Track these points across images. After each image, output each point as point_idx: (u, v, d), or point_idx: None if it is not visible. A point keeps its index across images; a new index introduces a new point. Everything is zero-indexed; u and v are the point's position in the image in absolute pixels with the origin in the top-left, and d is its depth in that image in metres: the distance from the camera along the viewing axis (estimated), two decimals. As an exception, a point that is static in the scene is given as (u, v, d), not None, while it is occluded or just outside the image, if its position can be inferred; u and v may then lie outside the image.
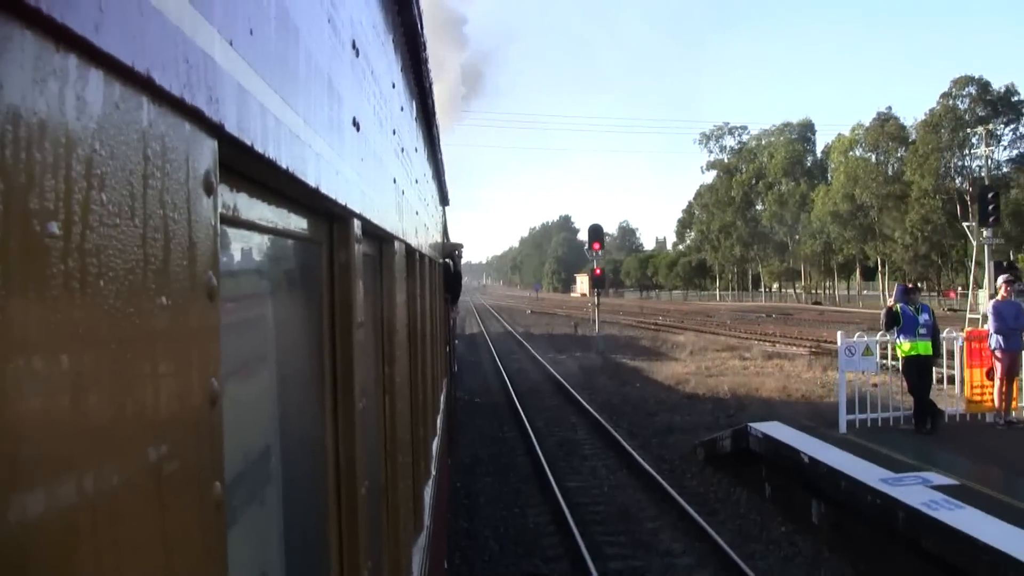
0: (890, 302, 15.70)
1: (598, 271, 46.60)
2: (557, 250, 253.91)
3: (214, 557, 1.19)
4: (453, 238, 22.34)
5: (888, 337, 15.53)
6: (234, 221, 1.55)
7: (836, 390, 16.64)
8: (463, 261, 23.39)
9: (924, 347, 14.88)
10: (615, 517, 15.02)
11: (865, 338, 15.79)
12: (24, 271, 0.70)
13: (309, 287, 2.36)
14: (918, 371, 14.93)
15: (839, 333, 16.10)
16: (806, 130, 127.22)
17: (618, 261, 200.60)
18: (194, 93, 1.10)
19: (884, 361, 16.23)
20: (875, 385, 16.31)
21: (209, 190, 1.19)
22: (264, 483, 1.87)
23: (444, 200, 16.06)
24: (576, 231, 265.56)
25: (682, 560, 12.73)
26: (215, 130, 1.21)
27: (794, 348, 43.25)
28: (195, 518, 1.11)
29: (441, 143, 11.15)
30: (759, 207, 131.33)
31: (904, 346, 14.95)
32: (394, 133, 4.34)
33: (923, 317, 14.96)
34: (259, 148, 1.43)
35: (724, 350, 42.75)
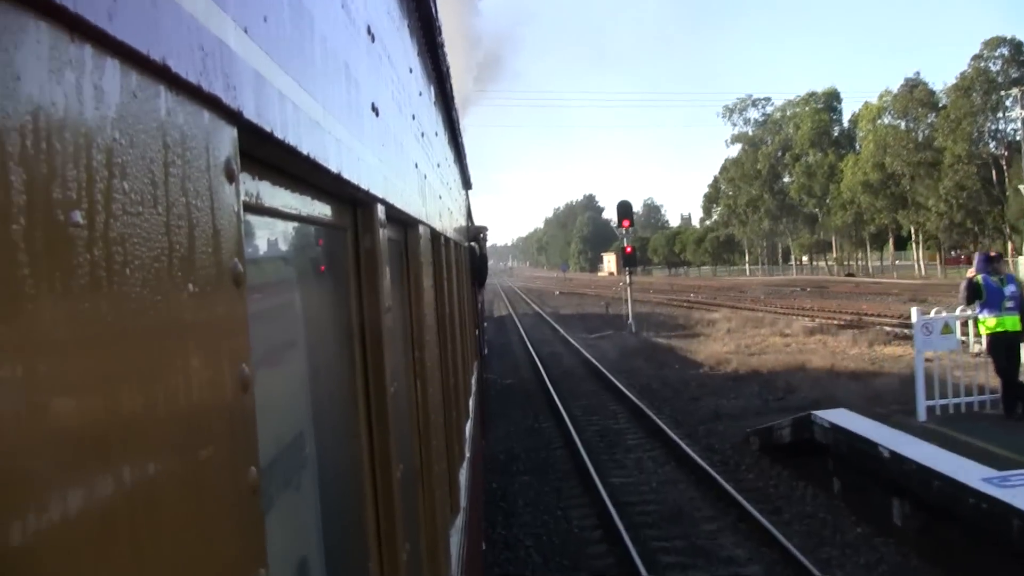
0: (970, 272, 13.97)
1: (629, 249, 45.28)
2: (582, 229, 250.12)
3: (251, 542, 1.20)
4: (477, 221, 22.35)
5: (969, 312, 13.92)
6: (257, 208, 1.56)
7: (900, 369, 15.31)
8: (488, 244, 23.36)
9: (1012, 322, 13.29)
10: (668, 518, 13.63)
11: (944, 314, 14.26)
12: (50, 261, 0.71)
13: (335, 273, 2.37)
14: (1007, 350, 13.32)
15: (914, 310, 14.60)
16: (832, 99, 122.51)
17: (644, 239, 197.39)
18: (211, 80, 1.10)
19: (965, 339, 14.48)
20: (928, 360, 14.23)
21: (231, 177, 1.19)
22: (299, 468, 1.88)
23: (467, 184, 16.07)
24: (601, 210, 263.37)
25: (749, 569, 11.33)
26: (234, 117, 1.21)
27: (835, 322, 41.12)
28: (231, 503, 1.12)
29: (461, 126, 11.13)
30: (786, 179, 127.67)
31: (989, 322, 13.42)
32: (413, 118, 4.34)
33: (1009, 288, 13.39)
34: (279, 135, 1.43)
35: (763, 327, 40.77)
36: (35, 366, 0.69)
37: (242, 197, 1.26)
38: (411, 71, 4.35)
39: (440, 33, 5.96)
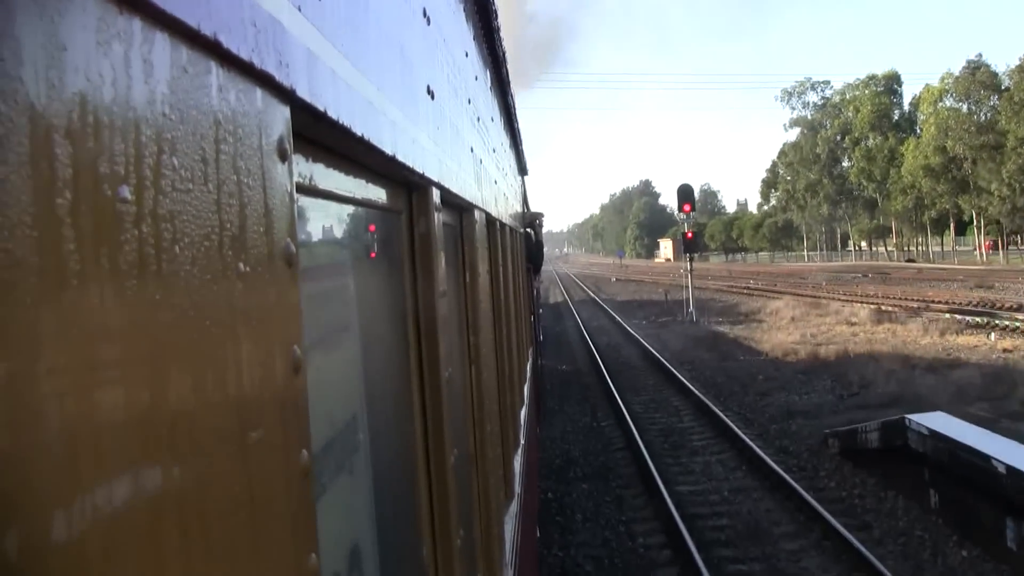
0: None
1: (690, 234, 44.19)
2: (639, 215, 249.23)
3: (302, 526, 1.19)
4: (533, 208, 22.31)
5: None
6: (311, 190, 1.54)
7: (979, 360, 14.41)
8: (544, 230, 23.22)
9: None
10: (744, 535, 12.22)
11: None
12: (98, 236, 0.69)
13: (390, 256, 2.35)
14: None
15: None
16: (892, 82, 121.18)
17: (702, 224, 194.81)
18: (263, 58, 1.08)
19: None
20: (1007, 351, 13.83)
21: (283, 156, 1.18)
22: (352, 452, 1.87)
23: (523, 170, 16.03)
24: (657, 195, 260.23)
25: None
26: (286, 96, 1.20)
27: (902, 310, 39.93)
28: (283, 486, 1.11)
29: (517, 112, 11.09)
30: (845, 164, 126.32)
31: None
32: (469, 102, 4.31)
33: None
34: (332, 115, 1.41)
35: (827, 314, 39.69)
36: (83, 345, 0.67)
37: (295, 178, 1.25)
38: (467, 55, 4.33)
39: (496, 17, 5.92)
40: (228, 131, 0.98)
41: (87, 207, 0.68)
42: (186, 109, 0.87)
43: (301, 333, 1.21)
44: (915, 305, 41.55)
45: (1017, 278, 59.43)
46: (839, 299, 48.70)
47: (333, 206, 1.82)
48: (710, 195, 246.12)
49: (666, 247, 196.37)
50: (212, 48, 0.93)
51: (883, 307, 42.18)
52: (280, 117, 1.18)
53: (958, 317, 35.06)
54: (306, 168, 1.48)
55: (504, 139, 8.70)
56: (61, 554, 0.62)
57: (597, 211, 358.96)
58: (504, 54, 7.21)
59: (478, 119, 4.88)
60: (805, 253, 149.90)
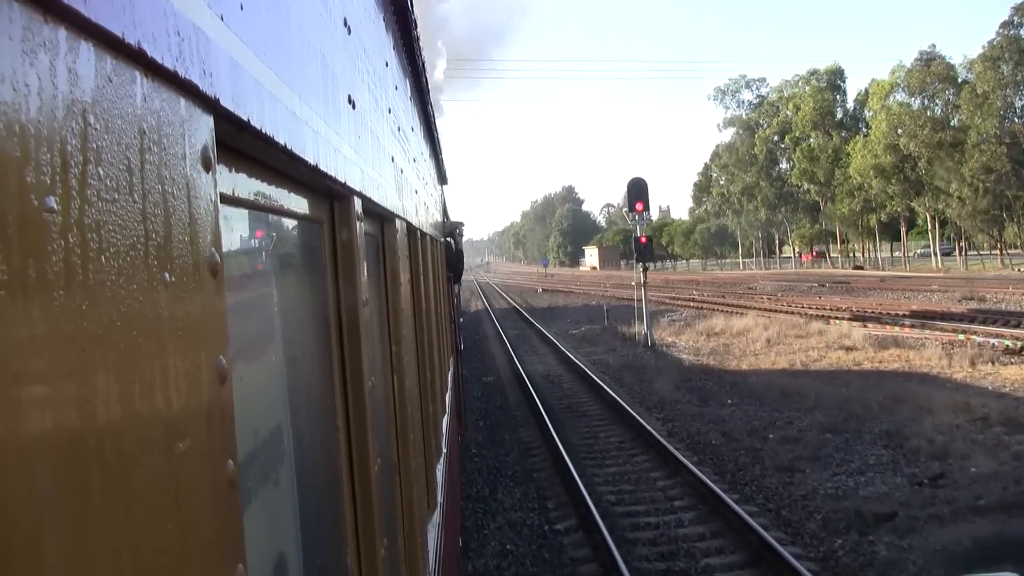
0: None
1: (644, 239, 36.33)
2: (562, 222, 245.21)
3: (230, 535, 1.18)
4: (453, 216, 22.31)
5: None
6: (234, 200, 1.54)
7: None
8: (464, 239, 23.19)
9: None
10: None
11: None
12: (24, 245, 0.69)
13: (312, 266, 2.35)
14: None
15: None
16: (835, 77, 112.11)
17: (627, 231, 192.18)
18: (187, 67, 1.08)
19: None
20: None
21: (207, 166, 1.18)
22: (277, 462, 1.86)
23: (443, 179, 16.02)
24: (581, 202, 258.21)
25: None
26: (210, 105, 1.19)
27: (908, 332, 32.40)
28: (209, 496, 1.10)
29: (437, 122, 11.10)
30: (783, 166, 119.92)
31: None
32: (390, 112, 4.31)
33: None
34: (256, 124, 1.41)
35: (809, 335, 32.54)
36: (6, 356, 0.67)
37: (219, 188, 1.25)
38: (387, 65, 4.32)
39: (416, 27, 5.93)
40: (153, 140, 0.98)
41: (13, 217, 0.68)
42: (111, 118, 0.87)
43: (227, 343, 1.20)
44: (910, 322, 35.20)
45: (1005, 287, 51.97)
46: (808, 314, 41.81)
47: (256, 216, 1.81)
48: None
49: (591, 255, 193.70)
50: (136, 57, 0.93)
51: (868, 324, 35.54)
52: (204, 127, 1.18)
53: (978, 340, 28.61)
54: (229, 178, 1.48)
55: (424, 149, 8.70)
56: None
57: (518, 218, 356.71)
58: (424, 64, 7.22)
59: (399, 129, 4.88)
60: (740, 260, 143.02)
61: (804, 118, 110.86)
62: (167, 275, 1.00)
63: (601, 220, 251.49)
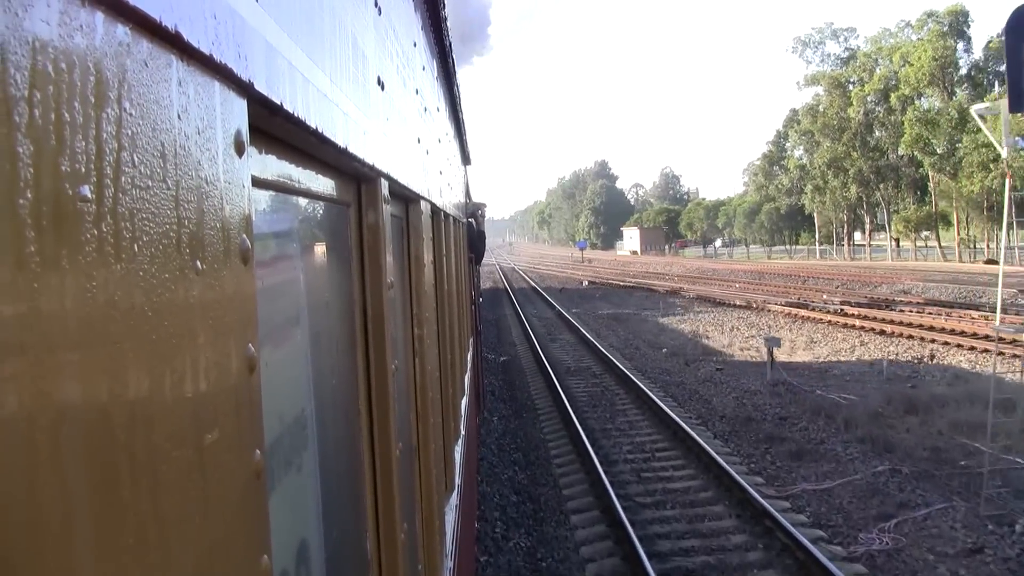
0: None
1: None
2: (594, 200, 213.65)
3: (256, 528, 1.17)
4: (475, 196, 22.27)
5: None
6: (264, 183, 1.52)
7: None
8: (486, 219, 23.14)
9: None
10: None
11: None
12: (58, 235, 0.67)
13: (339, 249, 2.33)
14: None
15: None
16: (959, 20, 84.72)
17: (672, 210, 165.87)
18: (223, 50, 1.06)
19: None
20: None
21: (240, 151, 1.16)
22: (301, 448, 1.85)
23: (466, 159, 15.99)
24: (615, 178, 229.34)
25: None
26: (244, 89, 1.17)
27: None
28: (236, 488, 1.09)
29: (461, 102, 11.06)
30: (878, 134, 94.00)
31: None
32: (417, 92, 4.28)
33: None
34: (288, 107, 1.39)
35: None
36: (40, 344, 0.65)
37: (251, 172, 1.23)
38: (415, 45, 4.29)
39: (444, 7, 5.89)
40: (187, 126, 0.96)
41: (48, 206, 0.66)
42: (147, 104, 0.85)
43: (256, 331, 1.19)
44: None
45: None
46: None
47: (283, 199, 1.80)
48: (672, 179, 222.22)
49: (631, 237, 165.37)
50: (173, 41, 0.91)
51: None
52: (238, 111, 1.16)
53: None
54: (259, 161, 1.46)
55: (449, 129, 8.67)
56: (12, 558, 0.61)
57: (543, 196, 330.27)
58: (451, 44, 7.18)
59: (425, 109, 4.85)
60: (816, 248, 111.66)
61: (920, 71, 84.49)
62: (199, 263, 0.98)
63: (631, 202, 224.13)
